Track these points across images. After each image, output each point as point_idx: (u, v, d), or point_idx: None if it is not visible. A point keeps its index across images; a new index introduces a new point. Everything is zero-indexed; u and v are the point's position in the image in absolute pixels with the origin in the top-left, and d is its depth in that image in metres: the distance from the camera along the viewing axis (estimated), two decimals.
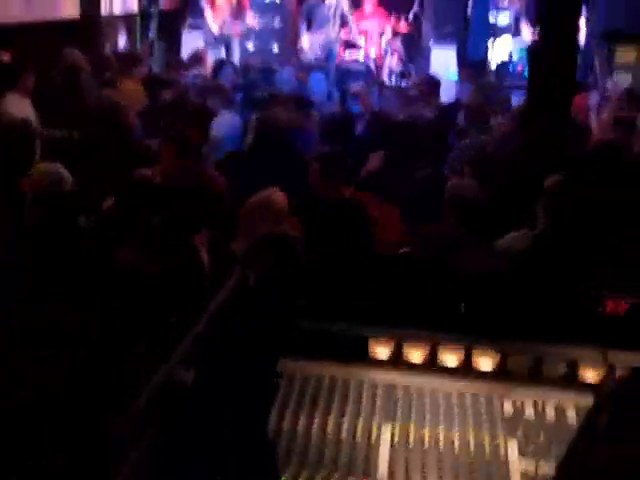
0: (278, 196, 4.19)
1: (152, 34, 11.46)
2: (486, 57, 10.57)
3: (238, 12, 11.17)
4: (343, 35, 11.44)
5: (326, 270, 2.67)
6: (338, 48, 11.47)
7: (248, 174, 5.51)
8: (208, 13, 11.12)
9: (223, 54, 11.22)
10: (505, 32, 10.57)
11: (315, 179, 5.00)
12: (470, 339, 2.36)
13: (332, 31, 11.19)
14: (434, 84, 9.04)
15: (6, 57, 7.52)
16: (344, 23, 11.34)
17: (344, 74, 10.83)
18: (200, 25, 11.44)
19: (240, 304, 2.61)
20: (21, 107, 6.57)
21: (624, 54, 9.77)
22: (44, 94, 7.02)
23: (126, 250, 3.85)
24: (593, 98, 8.25)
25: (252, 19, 11.36)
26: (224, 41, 11.24)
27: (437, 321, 2.39)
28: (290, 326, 2.50)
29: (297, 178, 5.14)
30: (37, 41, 8.19)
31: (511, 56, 10.72)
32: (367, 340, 2.41)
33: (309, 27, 11.33)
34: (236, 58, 11.43)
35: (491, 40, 10.57)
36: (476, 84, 9.06)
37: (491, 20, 10.57)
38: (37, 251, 3.98)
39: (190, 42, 11.68)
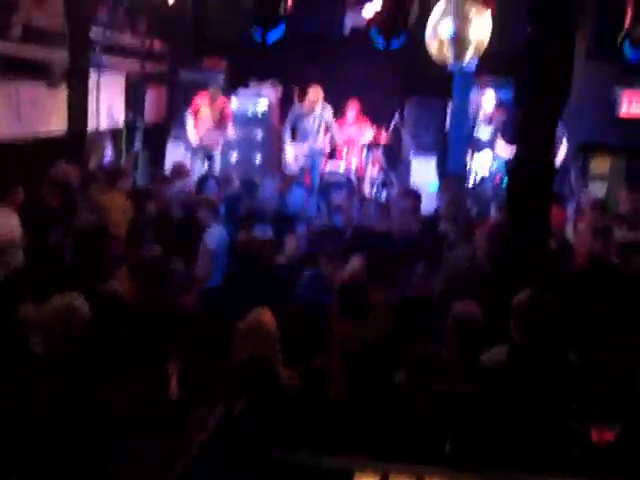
0: (267, 317, 4.20)
1: (137, 146, 11.67)
2: (465, 168, 10.78)
3: (220, 123, 11.37)
4: (326, 146, 11.64)
5: (312, 404, 2.68)
6: (321, 159, 11.66)
7: (231, 299, 5.60)
8: (190, 124, 11.31)
9: (205, 165, 11.39)
10: (485, 146, 10.79)
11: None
12: (454, 471, 2.36)
13: (316, 142, 11.39)
14: (415, 197, 9.20)
15: None
16: (327, 134, 11.55)
17: (326, 186, 11.01)
18: (183, 136, 11.64)
19: (226, 435, 2.61)
20: (8, 220, 6.67)
21: (599, 165, 10.03)
22: (34, 209, 7.14)
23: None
24: (570, 209, 8.42)
25: (232, 131, 11.56)
26: (205, 152, 11.41)
27: (423, 453, 2.39)
28: (275, 457, 2.49)
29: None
30: (26, 156, 8.34)
31: (490, 168, 10.93)
32: (353, 473, 2.40)
33: (293, 138, 11.52)
34: (217, 169, 11.61)
35: (470, 152, 10.79)
36: (454, 195, 9.24)
37: (471, 134, 10.81)
38: None
39: (174, 153, 11.89)
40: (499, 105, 10.80)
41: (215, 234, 7.51)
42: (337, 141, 11.61)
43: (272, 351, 3.88)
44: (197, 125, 11.29)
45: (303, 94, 11.50)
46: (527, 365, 3.98)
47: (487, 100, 10.79)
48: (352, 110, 12.04)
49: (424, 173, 11.48)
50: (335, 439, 2.71)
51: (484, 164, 10.72)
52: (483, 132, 10.72)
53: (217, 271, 7.27)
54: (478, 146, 10.69)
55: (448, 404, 3.24)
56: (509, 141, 10.26)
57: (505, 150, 10.28)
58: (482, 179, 10.78)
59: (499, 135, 10.54)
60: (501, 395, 3.64)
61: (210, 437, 2.84)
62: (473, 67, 10.51)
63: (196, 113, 11.31)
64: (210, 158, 11.42)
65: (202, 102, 11.31)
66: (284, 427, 3.14)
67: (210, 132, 11.30)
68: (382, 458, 2.47)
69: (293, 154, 11.33)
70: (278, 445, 2.68)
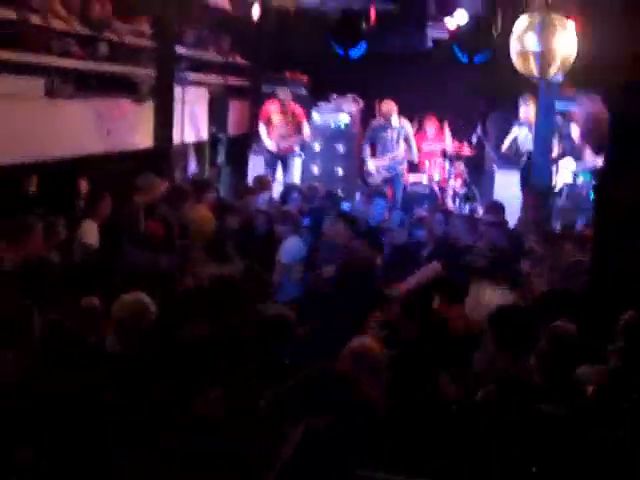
0: (375, 346, 4.08)
1: (220, 159, 11.83)
2: (550, 181, 10.58)
3: (294, 127, 11.45)
4: (406, 157, 11.63)
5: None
6: (403, 171, 11.64)
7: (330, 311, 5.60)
8: (263, 132, 11.42)
9: (280, 172, 11.48)
10: (568, 155, 10.61)
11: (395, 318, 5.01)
12: None
13: (395, 154, 11.39)
14: (500, 210, 9.08)
15: (83, 186, 7.83)
16: (408, 147, 11.54)
17: (409, 198, 10.97)
18: (264, 148, 11.76)
19: (309, 454, 2.60)
20: (95, 233, 6.86)
21: None
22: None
23: None
24: None
25: (308, 136, 11.60)
26: (280, 159, 11.49)
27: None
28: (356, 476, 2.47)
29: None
30: (114, 170, 8.55)
31: (575, 179, 10.73)
32: None
33: (373, 152, 11.54)
34: (297, 178, 11.68)
35: (554, 164, 10.61)
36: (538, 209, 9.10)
37: (554, 145, 10.64)
38: None
39: (256, 165, 12.02)
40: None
41: (290, 247, 7.53)
42: (415, 154, 11.56)
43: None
44: (270, 132, 11.39)
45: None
46: (627, 390, 3.87)
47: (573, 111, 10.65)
48: (431, 125, 12.02)
49: (507, 187, 11.30)
50: (414, 459, 2.67)
51: (568, 173, 10.51)
52: (565, 142, 10.54)
53: (290, 284, 7.29)
54: (561, 155, 10.50)
55: (537, 425, 3.18)
56: (596, 151, 10.08)
57: (592, 158, 10.12)
58: (568, 191, 10.56)
59: (586, 145, 10.36)
60: (596, 418, 3.56)
61: (293, 455, 2.84)
62: (560, 78, 10.34)
63: (268, 120, 11.41)
64: (285, 164, 11.49)
65: (273, 109, 11.41)
66: (367, 445, 3.13)
67: (285, 137, 11.38)
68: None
69: (374, 166, 11.35)
70: (361, 463, 2.66)
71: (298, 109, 11.53)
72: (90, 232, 6.89)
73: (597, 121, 10.10)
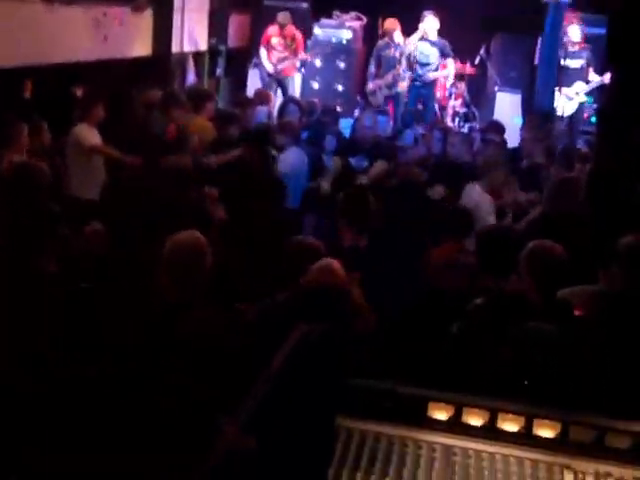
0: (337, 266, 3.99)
1: (219, 71, 11.68)
2: (552, 104, 10.49)
3: (292, 50, 11.34)
4: (409, 77, 11.49)
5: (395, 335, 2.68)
6: (404, 90, 11.52)
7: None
8: (263, 52, 11.35)
9: (278, 92, 11.38)
10: (573, 79, 10.49)
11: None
12: (532, 408, 2.34)
13: (399, 73, 11.25)
14: (499, 130, 9.04)
15: (79, 92, 7.75)
16: (410, 66, 11.38)
17: (409, 114, 10.86)
18: (260, 66, 11.65)
19: (302, 362, 2.62)
20: (91, 135, 6.81)
21: None
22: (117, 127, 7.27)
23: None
24: None
25: (305, 56, 11.52)
26: (278, 81, 11.40)
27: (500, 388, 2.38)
28: (348, 384, 2.50)
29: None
30: (110, 76, 8.45)
31: (580, 105, 10.64)
32: (427, 402, 2.40)
33: (377, 72, 11.40)
34: (297, 94, 11.58)
35: (557, 87, 10.49)
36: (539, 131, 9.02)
37: (559, 66, 10.51)
38: None
39: (255, 79, 11.89)
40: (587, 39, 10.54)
41: (290, 157, 7.48)
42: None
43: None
44: (270, 54, 11.29)
45: None
46: (621, 314, 3.88)
47: (574, 33, 10.50)
48: None
49: (508, 108, 11.22)
50: (410, 368, 2.71)
51: (570, 96, 10.42)
52: (571, 63, 10.42)
53: (293, 193, 7.25)
54: (564, 78, 10.37)
55: (529, 341, 3.22)
56: (599, 72, 9.99)
57: (597, 78, 10.08)
58: (570, 115, 10.49)
59: (590, 65, 10.27)
60: (587, 338, 3.58)
61: (285, 364, 2.86)
62: (567, 1, 10.19)
63: (268, 42, 11.30)
64: (283, 86, 11.39)
65: (272, 32, 11.30)
66: (358, 354, 3.17)
67: (283, 59, 11.27)
68: (456, 390, 2.46)
69: (376, 85, 11.24)
70: (352, 371, 2.69)
71: (298, 34, 11.39)
72: (89, 134, 6.84)
73: None
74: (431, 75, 11.19)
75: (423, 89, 11.22)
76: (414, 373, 3.05)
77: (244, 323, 3.84)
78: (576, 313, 3.92)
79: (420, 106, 11.19)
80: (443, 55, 11.15)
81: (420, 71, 11.11)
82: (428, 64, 11.09)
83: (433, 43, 11.10)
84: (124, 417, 3.07)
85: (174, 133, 7.48)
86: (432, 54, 11.07)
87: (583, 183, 6.06)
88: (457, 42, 11.96)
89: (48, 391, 3.29)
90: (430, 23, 11.00)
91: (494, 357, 3.14)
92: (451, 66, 11.35)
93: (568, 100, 10.47)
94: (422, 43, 11.06)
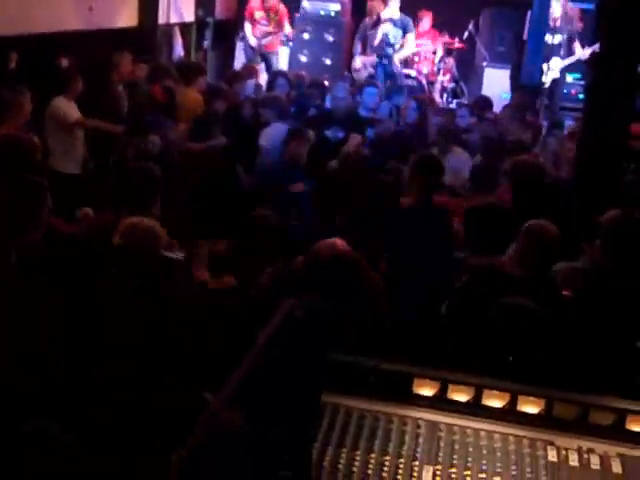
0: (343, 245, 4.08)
1: (207, 43, 11.59)
2: (540, 79, 10.48)
3: (276, 23, 11.25)
4: (396, 52, 11.47)
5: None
6: (391, 64, 11.48)
7: None
8: (247, 27, 11.26)
9: (262, 67, 11.31)
10: (559, 54, 10.49)
11: None
12: (516, 385, 2.35)
13: (385, 48, 11.23)
14: (486, 103, 9.06)
15: (65, 62, 7.66)
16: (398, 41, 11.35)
17: (396, 89, 10.82)
18: (245, 40, 11.58)
19: (288, 337, 2.61)
20: (72, 109, 6.75)
21: None
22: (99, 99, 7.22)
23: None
24: None
25: (289, 29, 11.43)
26: (262, 55, 11.32)
27: (485, 365, 2.38)
28: (335, 360, 2.50)
29: None
30: (95, 48, 8.36)
31: (565, 78, 10.63)
32: (412, 378, 2.40)
33: (364, 48, 11.37)
34: (284, 66, 11.52)
35: (545, 63, 10.48)
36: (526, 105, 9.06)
37: (546, 42, 10.49)
38: None
39: (242, 53, 11.81)
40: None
41: (271, 132, 7.44)
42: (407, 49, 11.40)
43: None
44: (254, 28, 11.21)
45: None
46: (609, 288, 3.90)
47: (555, 8, 10.47)
48: (424, 20, 11.78)
49: (496, 84, 11.20)
50: (395, 344, 2.71)
51: (558, 72, 10.40)
52: (557, 38, 10.41)
53: (272, 167, 7.22)
54: (552, 53, 10.36)
55: (515, 318, 3.22)
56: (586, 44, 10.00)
57: (582, 51, 10.08)
58: (556, 87, 10.48)
59: (576, 40, 10.26)
60: (575, 314, 3.61)
61: (270, 339, 2.85)
62: None
63: (251, 16, 11.20)
64: (267, 61, 11.31)
65: (255, 5, 11.19)
66: (345, 331, 3.16)
67: (267, 34, 11.18)
68: (442, 367, 2.46)
69: (361, 62, 11.22)
70: (337, 347, 2.69)
71: (281, 6, 11.29)
72: (69, 108, 6.77)
73: None
74: (400, 56, 11.20)
75: (388, 67, 11.22)
76: (403, 351, 3.06)
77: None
78: (563, 292, 3.95)
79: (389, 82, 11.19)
80: (405, 33, 11.10)
81: (389, 51, 11.09)
82: (393, 45, 11.06)
83: (395, 22, 11.05)
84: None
85: (162, 95, 7.43)
86: (398, 34, 11.04)
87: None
88: (445, 17, 11.94)
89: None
90: (392, 2, 10.96)
91: (479, 334, 3.15)
92: (411, 43, 11.29)
93: (550, 71, 10.47)
94: (386, 24, 11.02)
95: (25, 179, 4.22)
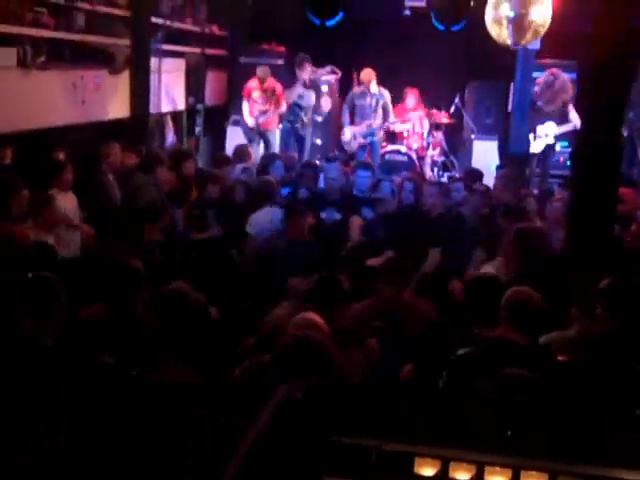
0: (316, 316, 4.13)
1: (198, 130, 11.79)
2: (528, 149, 10.62)
3: (274, 103, 11.44)
4: (385, 127, 11.68)
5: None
6: (380, 139, 11.67)
7: None
8: (245, 107, 11.43)
9: (260, 146, 11.46)
10: (545, 119, 10.64)
11: None
12: (518, 459, 2.34)
13: (373, 122, 11.44)
14: (477, 176, 9.15)
15: (61, 156, 7.79)
16: (386, 115, 11.57)
17: (387, 166, 10.96)
18: (242, 120, 11.73)
19: (285, 422, 2.61)
20: (64, 201, 6.83)
21: None
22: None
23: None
24: None
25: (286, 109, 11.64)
26: (260, 134, 11.48)
27: (485, 440, 2.37)
28: (333, 442, 2.49)
29: None
30: (89, 140, 8.51)
31: (553, 147, 10.76)
32: (414, 457, 2.39)
33: (352, 119, 11.58)
34: (276, 149, 11.66)
35: (532, 133, 10.63)
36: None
37: (541, 108, 10.65)
38: None
39: (234, 136, 11.97)
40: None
41: (260, 219, 7.46)
42: (393, 119, 11.58)
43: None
44: (252, 108, 11.38)
45: None
46: (603, 359, 3.92)
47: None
48: (411, 95, 12.01)
49: (486, 155, 11.35)
50: (397, 424, 2.69)
51: (545, 141, 10.53)
52: (546, 107, 10.55)
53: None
54: (539, 119, 10.50)
55: (513, 389, 3.22)
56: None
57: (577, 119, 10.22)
58: (544, 155, 10.60)
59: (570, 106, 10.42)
60: (575, 382, 3.61)
61: (270, 422, 2.84)
62: (536, 47, 10.36)
63: (249, 96, 11.39)
64: (266, 139, 11.47)
65: (253, 85, 11.39)
66: (344, 411, 3.15)
67: (264, 112, 11.37)
68: (443, 444, 2.45)
69: (351, 133, 11.40)
70: (337, 428, 2.68)
71: (278, 86, 11.50)
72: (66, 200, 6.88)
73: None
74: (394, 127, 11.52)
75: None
76: (402, 428, 3.05)
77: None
78: (559, 359, 3.95)
79: (366, 155, 11.38)
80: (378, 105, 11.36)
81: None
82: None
83: (372, 95, 11.28)
84: None
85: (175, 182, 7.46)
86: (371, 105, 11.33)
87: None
88: (432, 92, 12.18)
89: None
90: (367, 75, 11.23)
91: (479, 406, 3.14)
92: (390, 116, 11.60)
93: (536, 139, 10.59)
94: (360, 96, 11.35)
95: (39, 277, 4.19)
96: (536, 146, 10.53)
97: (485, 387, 3.39)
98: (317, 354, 3.47)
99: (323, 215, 7.75)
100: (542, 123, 10.45)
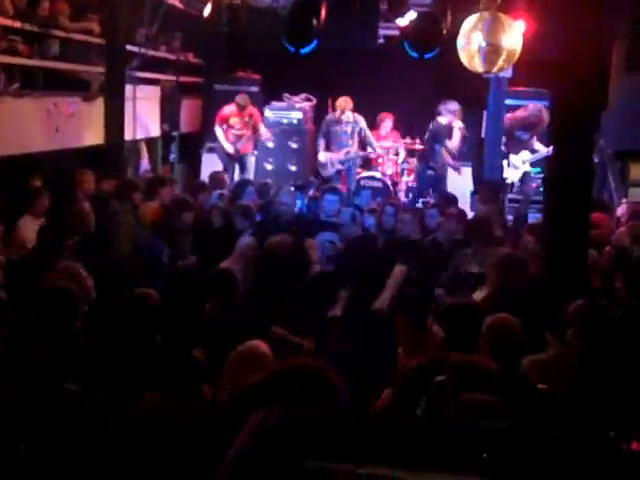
0: (263, 346, 4.05)
1: (173, 156, 11.80)
2: (501, 175, 10.73)
3: (251, 129, 11.49)
4: (361, 154, 11.76)
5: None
6: (356, 166, 11.74)
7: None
8: (220, 134, 11.45)
9: (237, 171, 11.49)
10: (520, 148, 10.77)
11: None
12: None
13: (350, 149, 11.51)
14: (451, 201, 9.19)
15: (37, 182, 7.76)
16: (362, 142, 11.64)
17: (361, 191, 11.01)
18: (217, 147, 11.75)
19: (263, 446, 2.59)
20: (34, 228, 6.81)
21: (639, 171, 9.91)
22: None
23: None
24: (619, 212, 8.33)
25: (265, 135, 11.67)
26: (238, 160, 11.51)
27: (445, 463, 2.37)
28: (311, 467, 2.48)
29: None
30: (63, 166, 8.49)
31: (529, 174, 10.88)
32: None
33: (327, 145, 11.63)
34: (251, 177, 11.69)
35: (506, 160, 10.75)
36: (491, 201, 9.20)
37: (510, 135, 10.78)
38: None
39: (209, 163, 11.99)
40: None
41: (243, 243, 7.45)
42: (376, 147, 11.66)
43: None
44: (228, 134, 11.41)
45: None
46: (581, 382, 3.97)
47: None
48: (385, 123, 12.11)
49: (459, 182, 11.44)
50: (374, 448, 2.69)
51: (519, 168, 10.65)
52: (522, 134, 10.69)
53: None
54: (515, 148, 10.61)
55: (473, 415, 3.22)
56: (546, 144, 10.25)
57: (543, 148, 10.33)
58: (519, 184, 10.71)
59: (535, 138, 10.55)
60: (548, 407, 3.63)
61: (245, 448, 2.83)
62: (508, 75, 10.49)
63: (226, 122, 11.42)
64: (242, 164, 11.50)
65: (230, 111, 11.42)
66: (320, 436, 3.14)
67: (242, 138, 11.40)
68: (420, 469, 2.45)
69: (328, 158, 11.46)
70: (311, 453, 2.67)
71: (255, 111, 11.57)
72: (27, 227, 6.84)
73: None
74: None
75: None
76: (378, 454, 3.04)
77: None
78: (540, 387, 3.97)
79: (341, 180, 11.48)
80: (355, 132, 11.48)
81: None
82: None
83: (347, 122, 11.38)
84: None
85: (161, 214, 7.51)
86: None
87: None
88: (406, 118, 12.27)
89: None
90: (342, 102, 11.36)
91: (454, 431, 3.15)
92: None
93: (514, 169, 10.72)
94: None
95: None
96: (512, 175, 10.65)
97: (451, 412, 3.40)
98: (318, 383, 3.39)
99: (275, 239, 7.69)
100: (517, 152, 10.60)
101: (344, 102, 11.44)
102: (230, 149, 11.41)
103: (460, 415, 3.29)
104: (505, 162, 10.63)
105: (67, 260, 5.81)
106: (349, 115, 11.47)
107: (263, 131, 11.63)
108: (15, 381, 3.79)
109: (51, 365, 3.98)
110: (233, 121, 11.45)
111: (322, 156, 11.58)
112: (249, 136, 11.49)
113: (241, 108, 11.40)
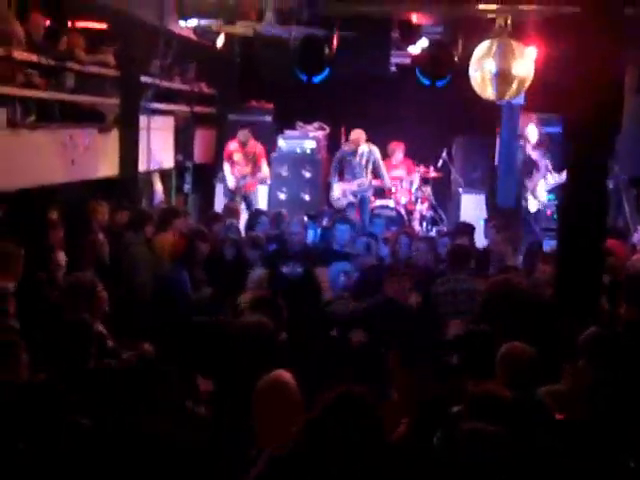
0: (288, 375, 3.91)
1: (187, 187, 11.84)
2: (514, 202, 10.71)
3: (254, 166, 11.51)
4: (378, 184, 11.76)
5: None
6: (370, 195, 11.74)
7: None
8: (226, 169, 11.51)
9: (242, 206, 11.50)
10: (538, 177, 10.74)
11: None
12: None
13: (364, 181, 11.50)
14: (466, 229, 9.15)
15: (54, 215, 7.80)
16: (378, 173, 11.64)
17: (375, 220, 11.00)
18: (224, 182, 11.81)
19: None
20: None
21: None
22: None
23: None
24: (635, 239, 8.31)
25: (267, 171, 11.69)
26: (242, 195, 11.53)
27: None
28: None
29: None
30: (78, 198, 8.54)
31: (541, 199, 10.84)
32: None
33: (341, 177, 11.65)
34: (263, 205, 11.72)
35: (528, 192, 10.72)
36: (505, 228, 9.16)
37: (528, 163, 10.76)
38: None
39: (222, 195, 12.02)
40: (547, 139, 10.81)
41: (254, 276, 7.43)
42: (387, 180, 11.66)
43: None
44: (233, 169, 11.46)
45: (349, 134, 11.67)
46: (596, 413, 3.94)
47: (532, 133, 10.79)
48: (398, 152, 12.12)
49: (473, 209, 11.43)
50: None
51: (536, 195, 10.62)
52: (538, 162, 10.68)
53: None
54: (532, 178, 10.60)
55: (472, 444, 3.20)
56: (558, 171, 10.23)
57: (556, 177, 10.29)
58: (535, 211, 10.68)
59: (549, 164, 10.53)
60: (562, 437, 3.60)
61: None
62: (520, 102, 10.51)
63: (230, 158, 11.48)
64: (248, 202, 11.51)
65: (234, 148, 11.49)
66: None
67: (246, 175, 11.43)
68: None
69: (341, 190, 11.46)
70: None
71: (259, 148, 11.59)
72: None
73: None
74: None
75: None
76: None
77: None
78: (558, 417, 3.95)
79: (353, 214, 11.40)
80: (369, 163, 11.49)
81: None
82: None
83: (361, 154, 11.38)
84: None
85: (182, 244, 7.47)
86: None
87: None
88: (419, 146, 12.30)
89: None
90: (356, 135, 11.41)
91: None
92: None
93: (534, 199, 10.68)
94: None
95: None
96: (533, 205, 10.61)
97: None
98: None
99: (285, 269, 7.69)
100: (531, 175, 10.58)
101: (357, 134, 11.47)
102: (231, 183, 11.43)
103: (460, 444, 3.27)
104: (529, 194, 10.58)
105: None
106: (364, 147, 11.49)
107: (264, 170, 11.60)
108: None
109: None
110: (237, 157, 11.50)
111: (335, 188, 11.58)
112: (252, 174, 11.49)
113: (243, 144, 11.45)
